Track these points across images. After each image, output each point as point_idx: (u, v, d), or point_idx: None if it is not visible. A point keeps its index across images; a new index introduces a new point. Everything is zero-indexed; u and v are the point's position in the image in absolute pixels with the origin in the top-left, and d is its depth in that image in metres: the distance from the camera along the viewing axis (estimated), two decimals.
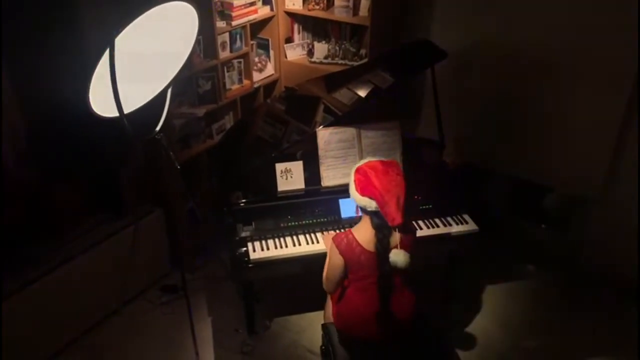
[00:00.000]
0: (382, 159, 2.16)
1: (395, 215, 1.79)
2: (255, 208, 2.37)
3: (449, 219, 2.46)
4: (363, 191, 1.85)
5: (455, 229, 2.42)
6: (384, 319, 1.91)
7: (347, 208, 2.40)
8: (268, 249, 2.30)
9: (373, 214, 1.86)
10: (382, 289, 1.90)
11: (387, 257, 1.85)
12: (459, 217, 2.47)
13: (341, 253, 1.89)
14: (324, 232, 2.31)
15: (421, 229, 2.41)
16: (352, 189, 1.89)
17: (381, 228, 1.86)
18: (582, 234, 2.95)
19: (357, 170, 1.89)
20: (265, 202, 2.38)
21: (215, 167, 2.72)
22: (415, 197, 2.42)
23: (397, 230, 1.87)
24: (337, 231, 2.39)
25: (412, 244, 1.91)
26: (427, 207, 2.47)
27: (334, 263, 1.92)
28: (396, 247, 1.86)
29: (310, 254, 2.29)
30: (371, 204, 1.84)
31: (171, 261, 3.02)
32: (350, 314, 1.94)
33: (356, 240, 1.88)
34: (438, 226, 2.43)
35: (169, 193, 2.80)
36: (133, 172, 2.75)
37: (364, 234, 1.89)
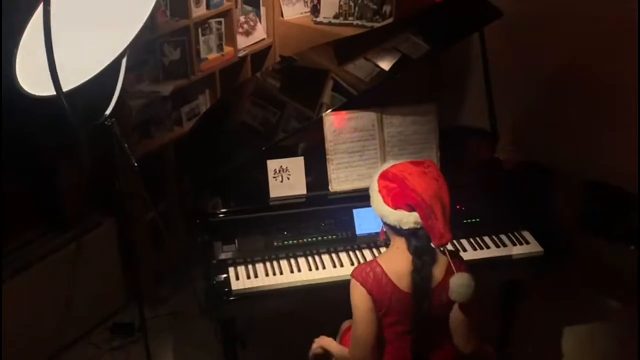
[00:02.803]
0: (411, 157, 2.14)
1: (443, 231, 1.77)
2: (240, 220, 2.36)
3: (503, 237, 2.45)
4: (396, 202, 1.82)
5: (513, 250, 2.40)
6: None
7: (363, 221, 2.38)
8: (256, 276, 2.29)
9: (410, 234, 1.83)
10: (419, 340, 1.88)
11: (427, 294, 1.84)
12: (517, 234, 2.45)
13: (370, 291, 1.83)
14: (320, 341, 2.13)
15: (465, 250, 2.40)
16: (378, 202, 1.86)
17: (420, 252, 1.83)
18: None
19: (384, 176, 1.87)
20: (252, 213, 2.38)
21: (186, 165, 2.73)
22: (458, 207, 2.39)
23: (443, 251, 1.85)
24: (349, 252, 2.38)
25: (468, 269, 1.89)
26: (473, 221, 2.46)
27: (363, 310, 1.83)
28: (443, 279, 1.85)
29: (313, 284, 2.28)
30: (409, 219, 1.81)
31: (126, 291, 3.02)
32: None
33: (386, 275, 1.84)
34: (488, 247, 2.42)
35: (124, 199, 2.78)
36: (76, 172, 2.75)
37: (394, 265, 1.85)
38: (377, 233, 2.31)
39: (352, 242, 2.40)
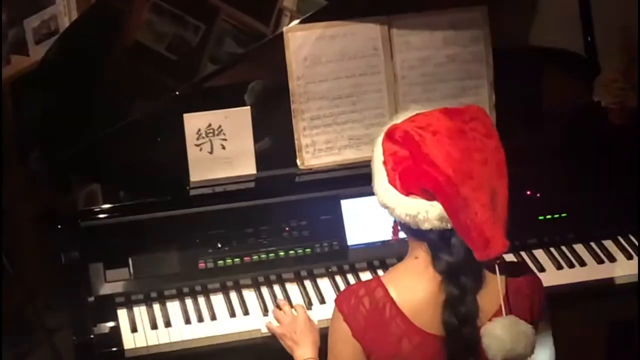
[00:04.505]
0: (444, 103, 2.14)
1: (491, 233, 1.80)
2: (136, 224, 2.38)
3: (608, 245, 2.51)
4: (407, 183, 1.85)
5: (625, 269, 2.45)
6: None
7: (360, 221, 2.41)
8: (168, 324, 2.30)
9: (434, 240, 1.88)
10: None
11: (471, 342, 1.87)
12: (633, 241, 2.51)
13: (358, 332, 1.91)
14: (279, 306, 2.33)
15: (542, 270, 2.44)
16: (381, 181, 1.90)
17: (456, 271, 1.87)
18: None
19: (390, 135, 1.89)
20: (159, 210, 2.39)
21: (34, 125, 2.72)
22: (529, 193, 2.44)
23: (496, 268, 1.87)
24: (335, 277, 2.41)
25: (541, 306, 1.98)
26: (556, 217, 2.51)
27: (341, 355, 1.96)
28: (499, 311, 1.88)
29: (269, 336, 2.27)
30: (428, 214, 1.83)
31: None
32: None
33: (392, 304, 1.90)
34: (583, 264, 2.48)
35: None
36: None
37: (410, 288, 1.92)
38: (383, 242, 2.36)
39: (340, 258, 2.43)
